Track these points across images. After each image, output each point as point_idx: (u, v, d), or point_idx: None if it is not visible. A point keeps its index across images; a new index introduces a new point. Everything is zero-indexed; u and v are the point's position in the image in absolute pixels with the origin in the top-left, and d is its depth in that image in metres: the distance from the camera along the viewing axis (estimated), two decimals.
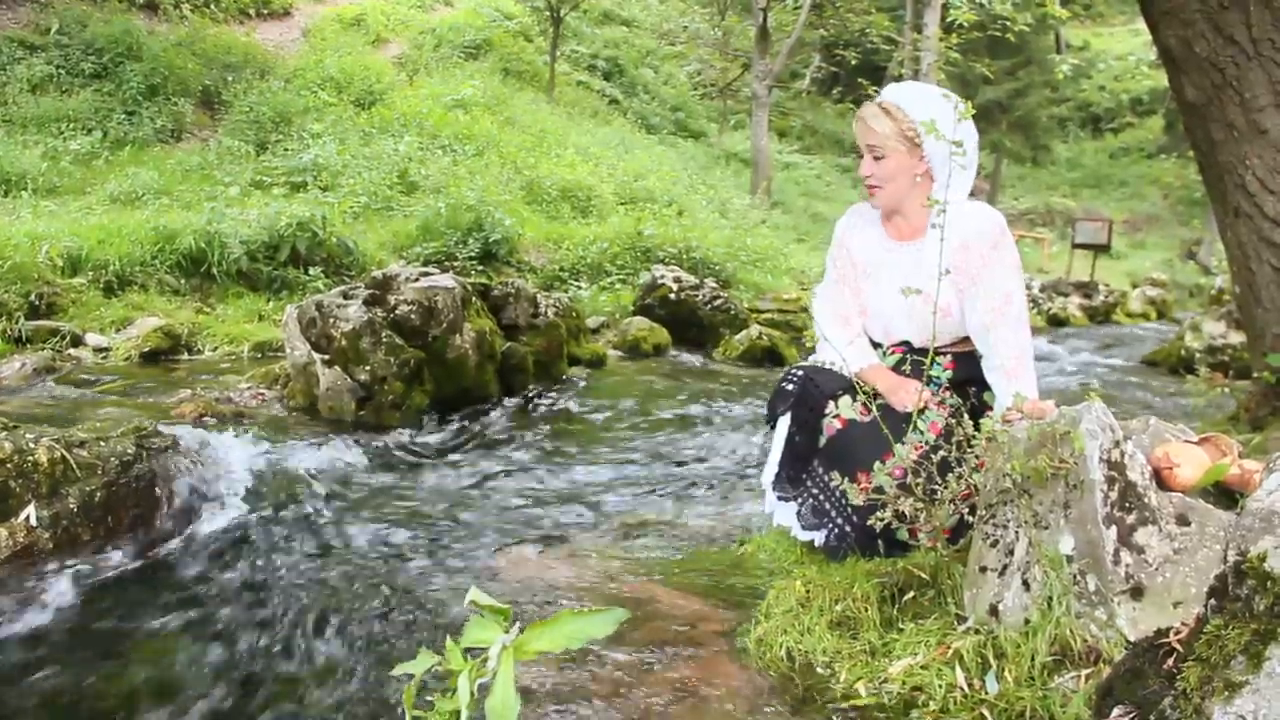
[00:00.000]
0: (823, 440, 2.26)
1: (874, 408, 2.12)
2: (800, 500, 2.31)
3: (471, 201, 8.70)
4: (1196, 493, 1.70)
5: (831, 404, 2.26)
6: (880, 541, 2.14)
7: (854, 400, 2.21)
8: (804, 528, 2.30)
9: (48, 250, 5.88)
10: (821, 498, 2.26)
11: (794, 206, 17.27)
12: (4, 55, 10.63)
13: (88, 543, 2.35)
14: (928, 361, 2.09)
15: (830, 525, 2.23)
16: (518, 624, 0.89)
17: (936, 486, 1.90)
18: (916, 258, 2.25)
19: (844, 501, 2.17)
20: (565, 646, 0.86)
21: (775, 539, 2.50)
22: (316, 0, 15.76)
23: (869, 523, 1.97)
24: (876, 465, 2.04)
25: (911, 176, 2.21)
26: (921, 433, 2.12)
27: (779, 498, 2.39)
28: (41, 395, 4.12)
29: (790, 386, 2.34)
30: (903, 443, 2.01)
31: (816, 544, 2.28)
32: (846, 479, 2.01)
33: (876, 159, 2.21)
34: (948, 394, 2.26)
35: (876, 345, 2.41)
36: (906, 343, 2.34)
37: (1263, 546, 0.95)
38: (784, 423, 2.35)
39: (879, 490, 1.95)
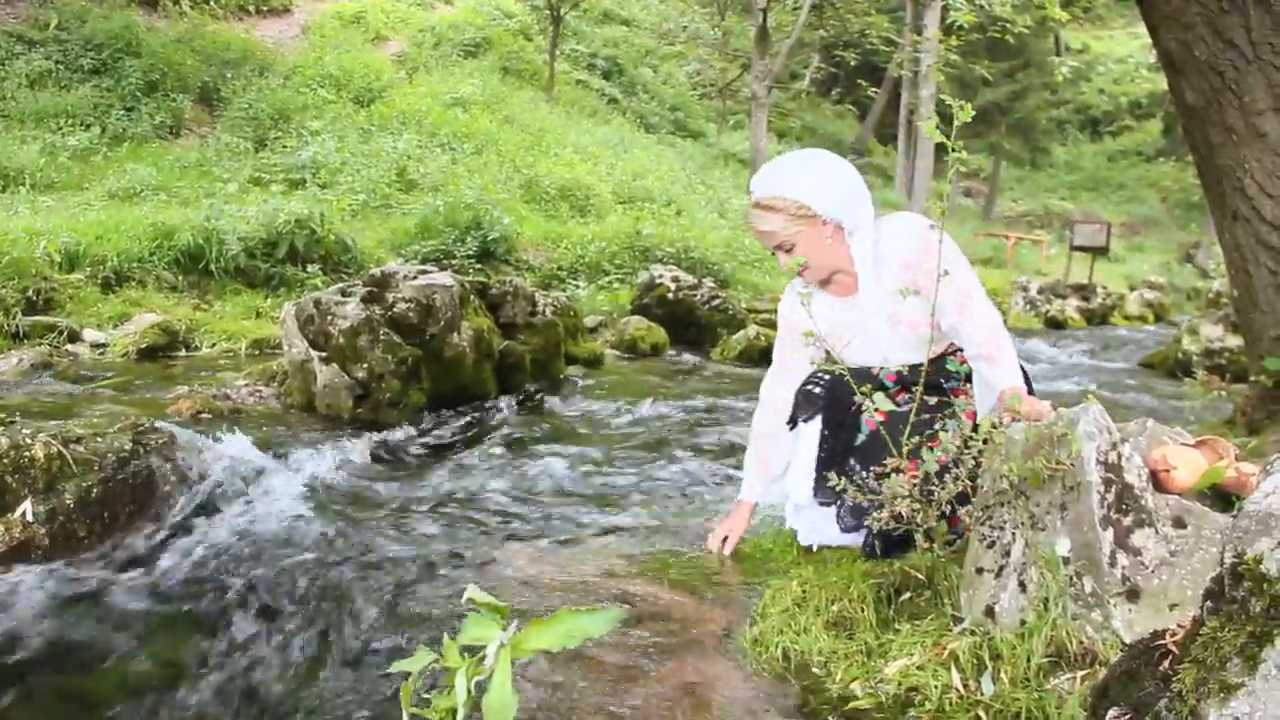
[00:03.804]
0: (862, 437, 2.23)
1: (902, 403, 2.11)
2: (839, 503, 2.28)
3: (470, 200, 8.72)
4: (1193, 495, 1.71)
5: (866, 400, 2.23)
6: (878, 542, 2.14)
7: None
8: (843, 530, 2.27)
9: (45, 246, 5.87)
10: (860, 497, 2.23)
11: None
12: (3, 50, 10.62)
13: (84, 539, 2.35)
14: (923, 371, 2.08)
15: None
16: (515, 622, 0.89)
17: (934, 488, 1.89)
18: (863, 302, 2.22)
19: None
20: (563, 645, 0.86)
21: (771, 539, 2.50)
22: None
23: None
24: (924, 452, 1.99)
25: (824, 242, 2.17)
26: (961, 420, 2.08)
27: (820, 503, 2.32)
28: (38, 391, 4.11)
29: (818, 390, 2.30)
30: (945, 429, 1.97)
31: (850, 544, 2.26)
32: (871, 472, 1.98)
33: (788, 251, 2.18)
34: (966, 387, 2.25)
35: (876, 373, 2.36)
36: (914, 366, 2.26)
37: (1259, 549, 0.95)
38: (812, 428, 2.30)
39: (906, 485, 1.93)
